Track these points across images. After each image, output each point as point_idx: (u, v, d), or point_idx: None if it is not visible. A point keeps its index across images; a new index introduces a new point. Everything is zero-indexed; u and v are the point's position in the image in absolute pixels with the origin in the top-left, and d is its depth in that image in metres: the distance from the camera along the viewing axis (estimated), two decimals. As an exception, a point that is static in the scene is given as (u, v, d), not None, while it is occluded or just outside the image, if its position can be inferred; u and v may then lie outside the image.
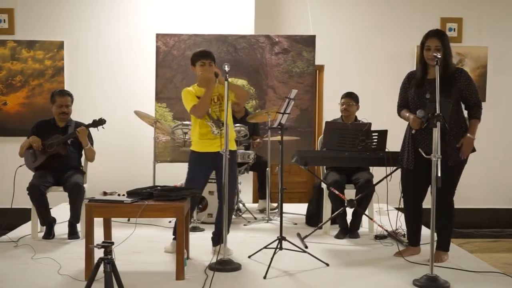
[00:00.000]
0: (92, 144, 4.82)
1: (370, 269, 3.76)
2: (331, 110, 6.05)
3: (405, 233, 4.30)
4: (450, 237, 3.97)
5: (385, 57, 6.74)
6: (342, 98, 5.05)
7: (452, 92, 3.69)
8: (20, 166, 4.65)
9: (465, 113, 3.87)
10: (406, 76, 4.00)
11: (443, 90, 3.43)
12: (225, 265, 3.65)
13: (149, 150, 5.81)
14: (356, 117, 5.06)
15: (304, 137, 5.97)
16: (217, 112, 4.00)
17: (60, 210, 5.39)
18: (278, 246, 3.91)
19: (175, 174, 5.65)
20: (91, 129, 4.75)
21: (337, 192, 4.57)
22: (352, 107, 4.99)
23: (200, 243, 4.30)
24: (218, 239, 4.12)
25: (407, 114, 3.88)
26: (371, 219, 4.77)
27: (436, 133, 3.34)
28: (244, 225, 5.18)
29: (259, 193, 5.92)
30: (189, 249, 3.90)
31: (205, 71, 3.93)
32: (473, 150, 3.82)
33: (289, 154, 4.68)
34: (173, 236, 4.14)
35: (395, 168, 4.33)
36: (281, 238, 3.96)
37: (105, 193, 3.59)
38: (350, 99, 5.00)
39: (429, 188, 3.83)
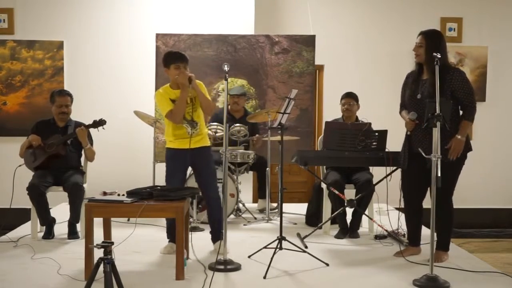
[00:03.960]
0: (92, 144, 4.82)
1: (370, 269, 3.76)
2: (331, 110, 6.05)
3: (405, 233, 4.30)
4: (449, 237, 3.97)
5: (385, 57, 6.74)
6: (342, 98, 5.05)
7: (442, 92, 3.66)
8: (20, 165, 4.64)
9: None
10: (406, 76, 4.02)
11: (433, 89, 3.43)
12: (225, 265, 3.65)
13: (149, 150, 5.81)
14: (356, 117, 5.06)
15: (304, 137, 5.96)
16: (190, 113, 4.04)
17: (60, 210, 5.39)
18: (278, 246, 3.90)
19: (175, 174, 5.64)
20: (91, 130, 4.75)
21: (337, 192, 4.57)
22: (354, 107, 5.00)
23: (200, 243, 4.30)
24: (215, 236, 4.17)
25: (404, 115, 3.91)
26: (371, 219, 4.77)
27: (436, 133, 3.34)
28: (244, 225, 5.18)
29: (259, 193, 5.92)
30: (189, 249, 3.90)
31: (180, 75, 3.92)
32: (470, 149, 3.81)
33: (289, 154, 4.68)
34: (168, 239, 4.17)
35: (395, 168, 4.33)
36: (281, 238, 3.95)
37: (105, 193, 3.59)
38: (351, 99, 5.00)
39: (429, 189, 3.85)
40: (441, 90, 3.63)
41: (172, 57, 3.99)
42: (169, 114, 3.98)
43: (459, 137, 3.69)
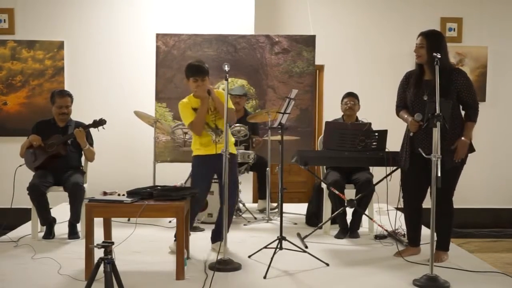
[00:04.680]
0: (92, 144, 4.83)
1: (370, 269, 3.76)
2: (331, 110, 6.06)
3: (405, 233, 4.30)
4: (449, 237, 3.97)
5: (385, 57, 6.74)
6: (344, 98, 5.05)
7: (449, 93, 3.68)
8: (20, 165, 4.65)
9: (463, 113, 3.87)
10: (404, 76, 4.00)
11: (440, 91, 3.42)
12: (225, 265, 3.65)
13: (149, 150, 5.81)
14: (356, 117, 5.06)
15: (304, 137, 5.96)
16: (214, 120, 4.10)
17: (60, 210, 5.39)
18: (278, 246, 3.91)
19: (175, 174, 5.66)
20: (92, 129, 4.75)
21: (337, 192, 4.57)
22: (356, 106, 5.00)
23: (200, 243, 4.31)
24: (215, 236, 4.18)
25: (406, 116, 3.89)
26: (371, 219, 4.77)
27: (436, 133, 3.34)
28: (244, 225, 5.18)
29: (259, 193, 5.92)
30: (189, 249, 3.90)
31: (198, 89, 3.99)
32: (472, 150, 3.82)
33: (289, 154, 4.68)
34: (174, 238, 4.17)
35: (395, 168, 4.33)
36: (281, 238, 3.96)
37: (105, 193, 3.59)
38: (353, 98, 5.01)
39: (429, 189, 3.85)
40: (448, 91, 3.64)
41: (190, 70, 4.03)
42: (190, 126, 4.06)
43: (463, 138, 3.71)
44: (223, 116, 4.04)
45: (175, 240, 4.13)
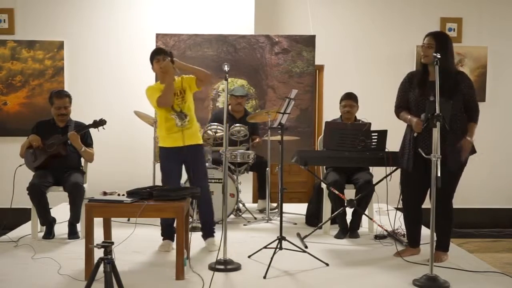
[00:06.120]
0: (91, 145, 4.83)
1: (370, 269, 3.76)
2: (331, 110, 6.05)
3: (405, 233, 4.30)
4: (449, 237, 3.98)
5: (385, 57, 6.74)
6: (342, 99, 5.03)
7: (456, 95, 3.69)
8: (20, 165, 4.65)
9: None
10: (406, 77, 3.99)
11: (446, 93, 3.42)
12: (225, 265, 3.65)
13: (149, 150, 5.81)
14: (356, 117, 5.06)
15: (304, 137, 5.97)
16: (180, 104, 4.10)
17: (60, 210, 5.39)
18: (278, 246, 3.91)
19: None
20: (92, 130, 4.75)
21: (337, 192, 4.57)
22: (354, 108, 4.98)
23: (200, 243, 4.31)
24: (205, 234, 4.26)
25: (409, 117, 3.86)
26: (371, 219, 4.77)
27: (436, 133, 3.34)
28: (244, 225, 5.18)
29: (259, 193, 5.92)
30: (189, 249, 3.90)
31: (162, 62, 4.02)
32: (474, 151, 3.82)
33: (289, 154, 4.68)
34: (162, 237, 4.24)
35: (395, 168, 4.33)
36: (281, 238, 3.96)
37: (105, 193, 3.59)
38: (352, 100, 4.97)
39: (429, 190, 3.85)
40: (455, 92, 3.65)
41: (151, 54, 4.14)
42: (158, 100, 4.03)
43: (468, 138, 3.74)
44: (199, 76, 4.03)
45: (163, 239, 4.18)
